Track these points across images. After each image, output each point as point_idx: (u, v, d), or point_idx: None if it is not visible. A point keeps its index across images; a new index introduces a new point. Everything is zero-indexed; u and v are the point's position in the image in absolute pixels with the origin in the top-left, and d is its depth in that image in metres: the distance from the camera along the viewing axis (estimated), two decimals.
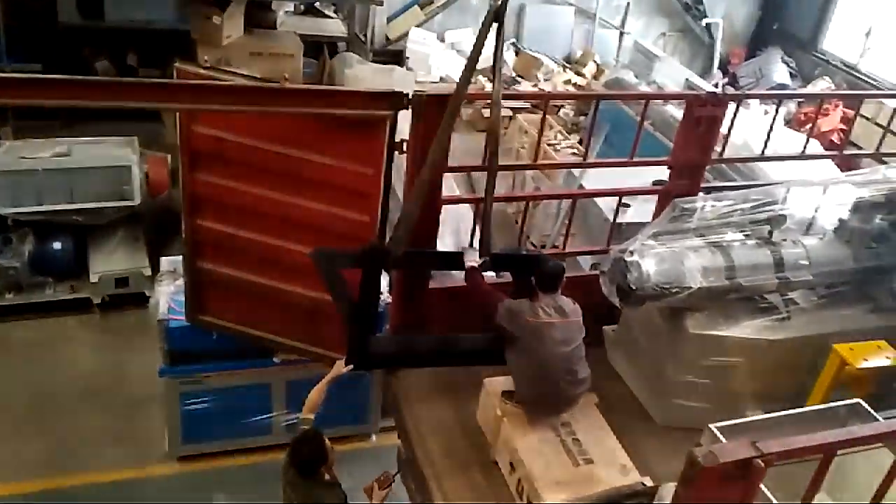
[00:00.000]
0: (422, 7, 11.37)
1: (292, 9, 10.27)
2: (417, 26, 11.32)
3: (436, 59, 11.20)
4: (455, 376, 4.76)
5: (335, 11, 10.57)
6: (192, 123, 4.48)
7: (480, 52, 3.95)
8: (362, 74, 9.47)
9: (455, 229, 6.09)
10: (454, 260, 4.40)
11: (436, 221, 4.49)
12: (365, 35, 10.84)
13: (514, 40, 12.18)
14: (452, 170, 4.70)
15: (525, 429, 4.07)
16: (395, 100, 4.14)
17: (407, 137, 4.23)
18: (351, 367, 4.25)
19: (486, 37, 3.88)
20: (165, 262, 5.77)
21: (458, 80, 4.01)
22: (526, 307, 3.98)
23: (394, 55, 11.11)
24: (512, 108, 9.79)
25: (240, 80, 4.55)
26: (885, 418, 3.56)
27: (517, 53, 12.01)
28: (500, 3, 3.79)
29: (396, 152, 4.28)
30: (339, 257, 4.20)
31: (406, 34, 11.17)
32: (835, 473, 3.86)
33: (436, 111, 4.15)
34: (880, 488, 2.65)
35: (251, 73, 7.39)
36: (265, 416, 5.68)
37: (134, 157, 6.98)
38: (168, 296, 5.36)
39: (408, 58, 11.06)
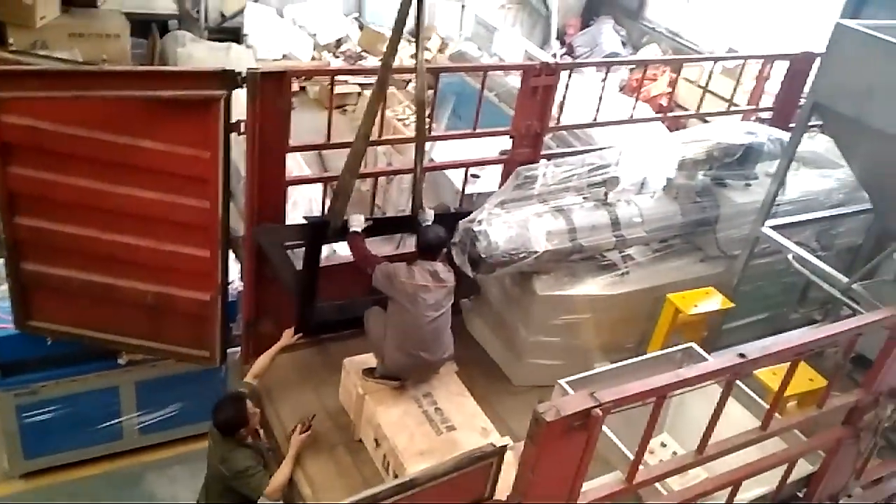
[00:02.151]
0: None
1: None
2: (254, 1, 10.89)
3: (276, 35, 10.84)
4: (313, 360, 4.70)
5: None
6: None
7: (404, 24, 4.00)
8: (196, 53, 9.03)
9: (308, 210, 6.01)
10: (400, 224, 4.95)
11: (283, 198, 4.43)
12: (198, 12, 10.30)
13: (356, 15, 12.02)
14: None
15: (387, 404, 4.10)
16: (228, 79, 3.97)
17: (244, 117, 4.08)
18: (300, 335, 4.47)
19: (409, 8, 3.93)
20: None
21: (385, 50, 4.09)
22: (402, 270, 4.03)
23: (232, 33, 10.62)
24: (360, 84, 9.69)
25: (53, 63, 4.19)
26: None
27: (361, 28, 11.86)
28: None
29: (234, 133, 4.12)
30: (280, 232, 4.42)
31: (241, 10, 10.71)
32: (675, 412, 4.19)
33: (272, 89, 4.02)
34: (711, 419, 2.88)
35: (71, 57, 6.91)
36: (115, 420, 5.37)
37: None
38: None
39: (246, 35, 10.62)
